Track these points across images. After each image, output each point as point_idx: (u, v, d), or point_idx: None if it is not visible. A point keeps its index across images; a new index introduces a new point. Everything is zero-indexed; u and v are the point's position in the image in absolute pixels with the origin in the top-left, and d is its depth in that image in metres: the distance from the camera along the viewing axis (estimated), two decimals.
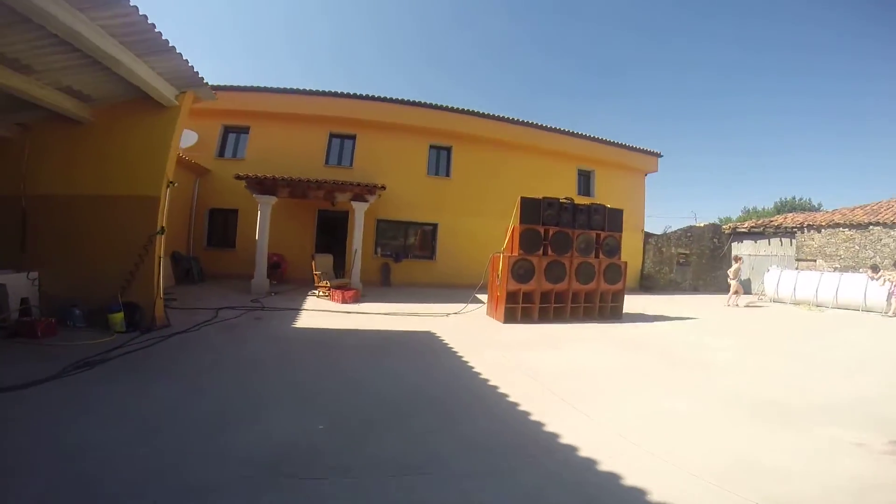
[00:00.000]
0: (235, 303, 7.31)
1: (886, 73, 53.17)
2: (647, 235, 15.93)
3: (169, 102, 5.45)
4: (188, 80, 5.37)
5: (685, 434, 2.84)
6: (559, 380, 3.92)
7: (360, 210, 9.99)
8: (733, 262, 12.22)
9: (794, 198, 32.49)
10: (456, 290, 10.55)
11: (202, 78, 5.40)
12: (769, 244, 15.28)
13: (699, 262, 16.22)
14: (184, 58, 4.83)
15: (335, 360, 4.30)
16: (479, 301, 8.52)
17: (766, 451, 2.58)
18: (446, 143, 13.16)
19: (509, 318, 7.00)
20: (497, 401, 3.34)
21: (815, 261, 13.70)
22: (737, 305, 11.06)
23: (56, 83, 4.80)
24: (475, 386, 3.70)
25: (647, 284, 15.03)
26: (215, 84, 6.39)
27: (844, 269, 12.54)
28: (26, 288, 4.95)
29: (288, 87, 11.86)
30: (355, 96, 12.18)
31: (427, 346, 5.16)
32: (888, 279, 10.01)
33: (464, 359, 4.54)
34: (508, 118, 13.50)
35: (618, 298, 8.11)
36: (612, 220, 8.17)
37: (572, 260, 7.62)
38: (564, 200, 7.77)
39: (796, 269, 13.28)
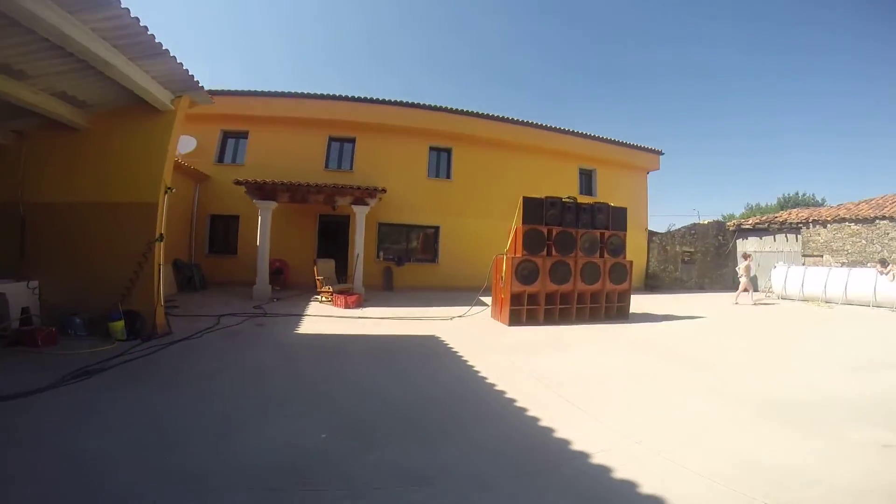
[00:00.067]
0: (238, 309, 7.24)
1: (886, 73, 53.06)
2: (651, 234, 15.75)
3: (164, 107, 5.39)
4: (183, 84, 5.31)
5: (704, 439, 2.72)
6: (567, 383, 3.81)
7: (360, 214, 9.93)
8: (742, 259, 11.67)
9: (797, 193, 32.09)
10: (459, 293, 10.45)
11: (198, 81, 5.34)
12: (774, 240, 15.13)
13: (704, 259, 16.05)
14: (178, 61, 4.78)
15: (339, 366, 4.22)
16: (484, 304, 8.41)
17: (792, 455, 2.47)
18: (446, 144, 13.09)
19: (514, 320, 6.88)
20: (504, 406, 3.24)
21: (821, 256, 13.55)
22: (752, 303, 10.79)
23: (50, 88, 4.74)
24: (482, 391, 3.61)
25: (653, 283, 14.88)
26: (212, 88, 6.33)
27: (852, 263, 12.36)
28: (27, 297, 4.93)
29: (286, 91, 11.80)
30: (354, 99, 12.11)
31: (432, 350, 5.06)
32: None
33: (469, 363, 4.44)
34: (508, 118, 13.42)
35: (624, 298, 7.98)
36: (615, 218, 8.06)
37: (577, 260, 7.50)
38: (567, 200, 7.65)
39: (803, 264, 13.10)
